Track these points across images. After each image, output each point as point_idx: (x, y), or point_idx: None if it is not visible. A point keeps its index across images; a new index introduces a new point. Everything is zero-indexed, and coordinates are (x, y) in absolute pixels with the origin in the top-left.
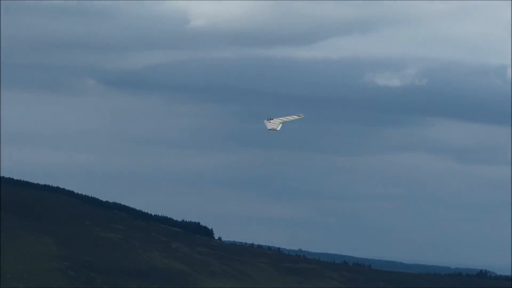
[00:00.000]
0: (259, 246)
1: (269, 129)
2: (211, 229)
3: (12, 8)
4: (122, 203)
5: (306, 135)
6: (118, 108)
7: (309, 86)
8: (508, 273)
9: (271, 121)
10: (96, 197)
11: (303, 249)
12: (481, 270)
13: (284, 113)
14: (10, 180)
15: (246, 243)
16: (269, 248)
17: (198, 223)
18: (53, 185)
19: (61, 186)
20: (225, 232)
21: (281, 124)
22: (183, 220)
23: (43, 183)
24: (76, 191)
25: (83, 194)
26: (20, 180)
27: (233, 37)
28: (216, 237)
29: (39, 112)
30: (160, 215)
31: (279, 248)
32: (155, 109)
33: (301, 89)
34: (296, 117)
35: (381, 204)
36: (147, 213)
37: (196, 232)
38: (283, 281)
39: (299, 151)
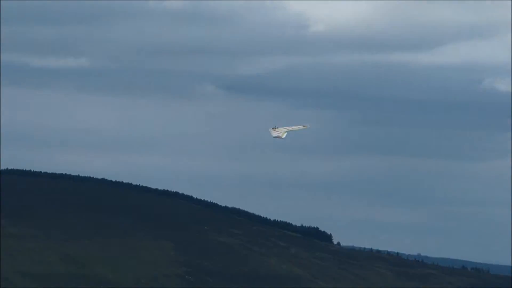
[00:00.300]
0: (378, 251)
1: (274, 137)
2: (330, 234)
3: (133, 12)
4: (241, 208)
5: (426, 140)
6: (237, 113)
7: (428, 91)
8: None
9: (277, 129)
10: (215, 202)
11: (422, 254)
12: None
13: (406, 118)
14: (129, 185)
15: (365, 248)
16: (388, 253)
17: (317, 228)
18: (172, 190)
19: (180, 191)
20: (344, 237)
21: (286, 133)
22: (302, 225)
23: (162, 188)
24: (195, 196)
25: (202, 199)
26: (139, 185)
27: (352, 42)
28: (335, 242)
29: (159, 117)
30: (279, 220)
31: (398, 253)
32: (274, 114)
33: (421, 95)
34: (301, 127)
35: (500, 208)
36: (266, 218)
37: (315, 237)
38: (401, 286)
39: (417, 156)
